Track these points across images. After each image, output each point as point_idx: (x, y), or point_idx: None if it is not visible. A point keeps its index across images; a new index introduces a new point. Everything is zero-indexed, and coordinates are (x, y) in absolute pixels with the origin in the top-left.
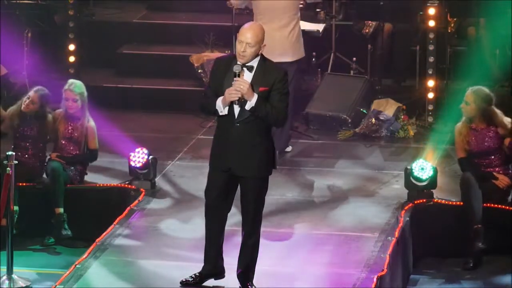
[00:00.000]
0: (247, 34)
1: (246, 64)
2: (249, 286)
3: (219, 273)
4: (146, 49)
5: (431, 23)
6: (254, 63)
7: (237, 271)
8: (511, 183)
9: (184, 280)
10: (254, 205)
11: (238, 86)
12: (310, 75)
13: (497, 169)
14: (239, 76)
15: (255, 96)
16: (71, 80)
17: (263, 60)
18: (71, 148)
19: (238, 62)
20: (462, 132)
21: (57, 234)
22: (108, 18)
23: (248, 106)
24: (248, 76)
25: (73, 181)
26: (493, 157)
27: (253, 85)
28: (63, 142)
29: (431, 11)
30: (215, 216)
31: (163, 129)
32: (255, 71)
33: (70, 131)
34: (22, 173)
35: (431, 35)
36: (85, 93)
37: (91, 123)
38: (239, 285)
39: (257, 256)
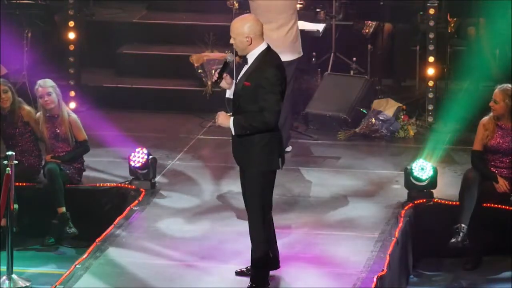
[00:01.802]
0: (230, 27)
1: (246, 56)
2: (250, 285)
3: (271, 264)
4: (146, 49)
5: (431, 23)
6: (251, 56)
7: None
8: (510, 190)
9: (239, 270)
10: (249, 200)
11: (216, 119)
12: (310, 75)
13: (504, 171)
14: (227, 64)
15: (230, 122)
16: (39, 81)
17: (263, 55)
18: (62, 146)
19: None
20: (488, 127)
21: (62, 233)
22: (108, 18)
23: (233, 132)
24: (245, 68)
25: (72, 180)
26: (506, 158)
27: (242, 79)
28: (53, 142)
29: (431, 11)
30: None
31: (163, 129)
32: (249, 65)
33: (53, 130)
34: (20, 172)
35: (431, 35)
36: (57, 88)
37: (72, 115)
38: None
39: (256, 257)
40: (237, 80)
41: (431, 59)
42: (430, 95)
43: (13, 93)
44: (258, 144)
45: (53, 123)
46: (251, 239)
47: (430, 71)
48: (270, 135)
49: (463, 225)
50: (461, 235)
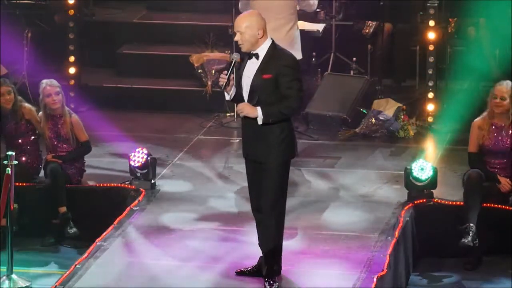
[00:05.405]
0: (236, 23)
1: (253, 52)
2: (265, 283)
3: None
4: (146, 49)
5: (431, 23)
6: (262, 50)
7: None
8: None
9: (239, 270)
10: (269, 191)
11: (240, 112)
12: (310, 75)
13: (503, 173)
14: (234, 64)
15: (259, 111)
16: (44, 80)
17: (273, 47)
18: (63, 146)
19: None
20: (483, 127)
21: (63, 232)
22: (108, 18)
23: (260, 121)
24: (255, 63)
25: (72, 180)
26: (504, 159)
27: (258, 73)
28: (54, 142)
29: (431, 11)
30: (253, 209)
31: (163, 129)
32: (262, 59)
33: (55, 130)
34: (20, 172)
35: (431, 35)
36: (61, 89)
37: (74, 116)
38: None
39: (270, 249)
40: (253, 75)
41: (431, 59)
42: (430, 95)
43: (15, 93)
44: (279, 135)
45: (55, 123)
46: (265, 229)
47: (430, 71)
48: (287, 124)
49: (471, 224)
50: (470, 234)
